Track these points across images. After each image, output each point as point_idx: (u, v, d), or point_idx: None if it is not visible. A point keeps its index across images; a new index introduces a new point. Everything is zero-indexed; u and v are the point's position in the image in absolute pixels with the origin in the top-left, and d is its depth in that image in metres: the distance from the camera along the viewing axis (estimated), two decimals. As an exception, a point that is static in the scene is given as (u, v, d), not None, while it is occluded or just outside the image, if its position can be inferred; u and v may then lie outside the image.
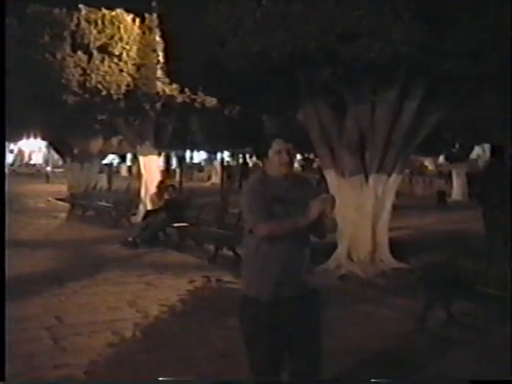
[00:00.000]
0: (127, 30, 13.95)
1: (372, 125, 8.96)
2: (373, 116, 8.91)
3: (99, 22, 13.80)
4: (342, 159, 9.28)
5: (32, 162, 55.23)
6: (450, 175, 25.11)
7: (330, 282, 8.07)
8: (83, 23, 13.77)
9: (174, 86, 12.67)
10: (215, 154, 37.23)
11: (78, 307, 7.03)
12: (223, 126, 19.69)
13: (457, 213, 17.51)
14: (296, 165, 34.40)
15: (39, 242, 12.23)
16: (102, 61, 13.60)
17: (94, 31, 13.72)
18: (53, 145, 24.82)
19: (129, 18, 14.10)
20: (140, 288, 8.09)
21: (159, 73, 13.23)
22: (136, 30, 14.07)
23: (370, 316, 6.69)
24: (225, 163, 33.00)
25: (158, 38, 12.71)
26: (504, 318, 5.78)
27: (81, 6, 13.89)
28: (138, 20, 14.12)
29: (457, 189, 23.55)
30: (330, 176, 9.57)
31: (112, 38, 13.77)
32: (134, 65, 13.89)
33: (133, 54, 13.90)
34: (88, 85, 13.56)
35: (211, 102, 13.47)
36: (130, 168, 44.79)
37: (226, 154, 35.36)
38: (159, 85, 13.56)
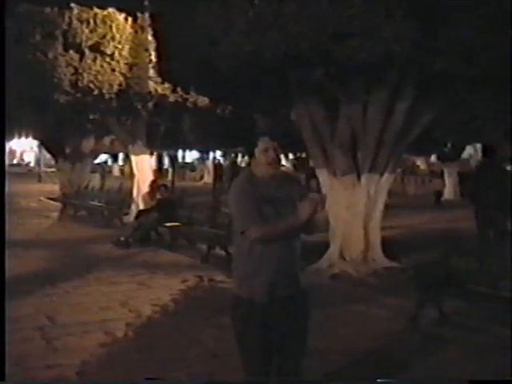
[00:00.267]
0: (119, 29, 13.87)
1: (364, 124, 8.98)
2: (365, 116, 8.93)
3: (91, 21, 13.71)
4: (335, 159, 9.30)
5: (24, 162, 55.00)
6: (441, 174, 25.22)
7: (322, 282, 8.10)
8: (75, 22, 13.66)
9: (167, 85, 12.67)
10: (207, 153, 37.25)
11: (70, 307, 7.01)
12: (215, 125, 19.70)
13: (449, 212, 17.59)
14: (288, 164, 34.59)
15: (31, 241, 12.16)
16: (94, 60, 13.53)
17: (86, 30, 13.63)
18: (44, 144, 24.65)
19: (121, 17, 14.01)
20: (132, 288, 8.06)
21: (151, 72, 13.21)
22: (128, 29, 13.99)
23: (361, 315, 6.70)
24: (217, 162, 33.05)
25: (150, 38, 12.72)
26: (496, 317, 5.82)
27: (72, 5, 13.77)
28: (130, 19, 14.03)
29: (449, 188, 23.66)
30: (323, 175, 9.59)
31: (104, 37, 13.68)
32: (126, 64, 13.82)
33: (125, 53, 13.82)
34: (80, 84, 13.47)
35: (203, 101, 13.45)
36: (122, 167, 44.68)
37: (219, 154, 35.37)
38: (151, 84, 13.52)
